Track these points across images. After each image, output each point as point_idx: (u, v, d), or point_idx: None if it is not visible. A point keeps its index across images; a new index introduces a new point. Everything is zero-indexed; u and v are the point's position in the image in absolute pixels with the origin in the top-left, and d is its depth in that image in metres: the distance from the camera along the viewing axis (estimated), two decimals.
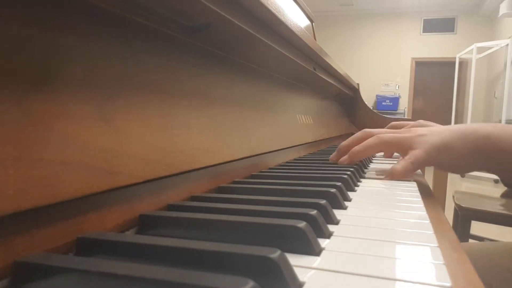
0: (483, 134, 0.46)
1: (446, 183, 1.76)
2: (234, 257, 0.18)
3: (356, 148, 0.55)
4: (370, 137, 0.55)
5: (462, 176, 4.83)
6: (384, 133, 0.54)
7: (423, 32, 6.99)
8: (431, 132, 0.50)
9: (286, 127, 0.73)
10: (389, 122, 0.76)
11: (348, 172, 0.47)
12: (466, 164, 0.48)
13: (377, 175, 0.55)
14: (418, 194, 0.41)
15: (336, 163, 0.60)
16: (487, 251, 0.62)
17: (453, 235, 0.27)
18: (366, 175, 0.55)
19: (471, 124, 0.49)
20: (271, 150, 0.60)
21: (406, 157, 0.49)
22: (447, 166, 0.49)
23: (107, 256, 0.22)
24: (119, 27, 0.31)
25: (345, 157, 0.57)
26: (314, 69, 0.82)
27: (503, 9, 4.93)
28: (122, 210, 0.27)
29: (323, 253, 0.22)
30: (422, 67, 7.10)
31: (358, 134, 0.58)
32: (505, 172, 0.48)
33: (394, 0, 6.65)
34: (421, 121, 0.64)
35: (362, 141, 0.55)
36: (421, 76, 7.12)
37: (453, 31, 6.84)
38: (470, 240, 1.65)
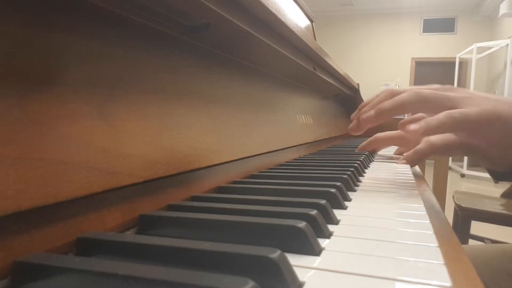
0: None
1: (446, 183, 1.76)
2: (234, 257, 0.18)
3: (386, 103, 0.42)
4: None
5: (462, 176, 4.81)
6: (415, 90, 0.43)
7: (423, 32, 7.00)
8: (481, 97, 0.40)
9: (286, 127, 0.73)
10: (389, 122, 0.68)
11: (348, 172, 0.47)
12: None
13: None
14: (418, 194, 0.41)
15: (335, 164, 0.60)
16: (487, 254, 0.62)
17: (453, 235, 0.27)
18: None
19: None
20: (271, 150, 0.60)
21: (449, 111, 0.38)
22: (495, 143, 0.39)
23: (107, 256, 0.22)
24: (119, 27, 0.31)
25: (371, 112, 0.43)
26: (314, 69, 0.82)
27: (503, 9, 4.93)
28: (122, 210, 0.27)
29: (323, 253, 0.22)
30: (422, 67, 7.10)
31: (383, 93, 0.46)
32: None
33: (394, 0, 6.64)
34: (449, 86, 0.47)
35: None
36: (421, 76, 7.12)
37: (453, 31, 6.84)
38: (470, 240, 1.65)
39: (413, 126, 0.39)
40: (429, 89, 0.43)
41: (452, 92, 0.42)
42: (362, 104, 0.48)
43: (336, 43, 7.26)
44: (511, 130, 0.37)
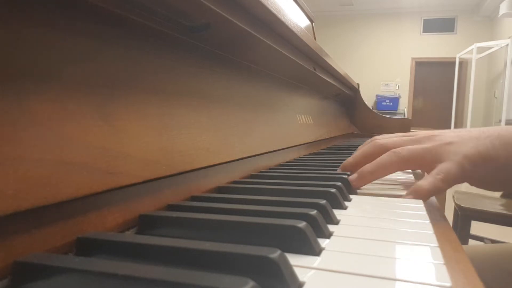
0: None
1: None
2: (234, 257, 0.18)
3: (367, 167, 0.43)
4: (383, 151, 0.43)
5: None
6: (398, 144, 0.43)
7: (423, 32, 7.00)
8: (462, 139, 0.39)
9: (286, 127, 0.73)
10: (389, 122, 0.66)
11: (348, 172, 0.47)
12: (508, 179, 0.38)
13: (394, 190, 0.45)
14: (419, 199, 0.40)
15: (335, 164, 0.59)
16: (487, 253, 0.62)
17: (453, 235, 0.27)
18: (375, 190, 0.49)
19: (510, 127, 0.38)
20: (271, 150, 0.60)
21: (434, 172, 0.39)
22: (486, 182, 0.39)
23: (107, 256, 0.22)
24: (119, 27, 0.31)
25: (354, 176, 0.44)
26: (314, 69, 0.82)
27: (503, 9, 4.94)
28: (122, 210, 0.27)
29: (323, 253, 0.22)
30: (422, 67, 7.10)
31: (367, 148, 0.46)
32: None
33: (394, 0, 6.65)
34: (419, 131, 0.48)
35: (372, 158, 0.44)
36: (421, 76, 7.12)
37: (453, 31, 6.84)
38: (470, 240, 1.65)
39: (406, 196, 0.39)
40: (409, 140, 0.44)
41: (429, 141, 0.42)
42: (345, 164, 0.49)
43: (336, 43, 7.26)
44: (496, 169, 0.37)
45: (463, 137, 0.40)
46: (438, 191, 0.38)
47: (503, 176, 0.37)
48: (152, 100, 0.33)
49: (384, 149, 0.44)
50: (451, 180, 0.38)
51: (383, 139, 0.47)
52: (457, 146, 0.39)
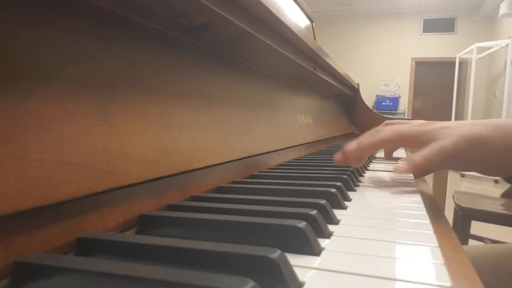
0: None
1: (446, 183, 1.76)
2: (234, 257, 0.18)
3: (367, 139, 0.46)
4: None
5: (462, 176, 4.81)
6: (400, 125, 0.45)
7: (423, 32, 7.00)
8: (458, 124, 0.41)
9: (286, 127, 0.73)
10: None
11: (348, 172, 0.47)
12: (503, 164, 0.39)
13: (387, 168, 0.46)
14: (418, 194, 0.41)
15: (334, 165, 0.59)
16: (487, 253, 0.62)
17: (453, 235, 0.27)
18: (370, 167, 0.49)
19: (506, 119, 0.40)
20: (271, 150, 0.60)
21: (429, 147, 0.40)
22: (479, 165, 0.40)
23: (107, 256, 0.22)
24: (119, 27, 0.31)
25: (353, 146, 0.46)
26: (314, 69, 0.82)
27: (503, 9, 4.93)
28: (122, 210, 0.27)
29: (323, 253, 0.22)
30: (422, 67, 7.10)
31: (377, 128, 0.48)
32: None
33: (394, 0, 6.65)
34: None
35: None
36: (421, 76, 7.12)
37: (453, 31, 6.84)
38: (470, 240, 1.65)
39: (401, 168, 0.42)
40: (410, 123, 0.46)
41: (428, 126, 0.44)
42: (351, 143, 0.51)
43: (336, 43, 7.26)
44: (491, 152, 0.38)
45: (460, 123, 0.41)
46: (430, 164, 0.39)
47: (498, 159, 0.38)
48: (152, 100, 0.33)
49: (386, 126, 0.46)
50: (445, 155, 0.39)
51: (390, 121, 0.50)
52: (453, 129, 0.40)
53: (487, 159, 0.38)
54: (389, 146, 0.46)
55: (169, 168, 0.32)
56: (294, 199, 0.32)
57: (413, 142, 0.43)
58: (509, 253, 0.61)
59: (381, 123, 0.51)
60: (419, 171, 0.40)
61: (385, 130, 0.45)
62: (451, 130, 0.40)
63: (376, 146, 0.45)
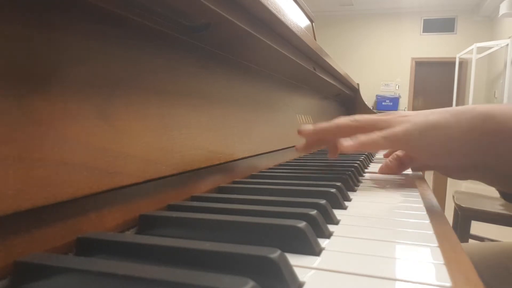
0: (483, 112, 0.35)
1: (446, 183, 1.76)
2: (234, 257, 0.18)
3: (323, 124, 0.47)
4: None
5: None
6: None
7: (423, 32, 7.00)
8: (417, 113, 0.42)
9: (286, 127, 0.73)
10: None
11: (348, 172, 0.47)
12: (459, 150, 0.37)
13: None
14: (418, 194, 0.41)
15: (335, 164, 0.60)
16: (487, 251, 0.62)
17: (453, 235, 0.27)
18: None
19: (466, 106, 0.39)
20: (271, 150, 0.60)
21: (378, 131, 0.41)
22: (433, 149, 0.39)
23: (107, 256, 0.22)
24: (119, 27, 0.31)
25: (309, 126, 0.48)
26: (314, 69, 0.82)
27: (503, 9, 4.93)
28: (122, 210, 0.27)
29: (323, 253, 0.22)
30: (422, 67, 7.10)
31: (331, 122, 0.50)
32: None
33: (394, 0, 6.64)
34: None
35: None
36: (421, 76, 7.12)
37: (453, 31, 6.84)
38: (470, 240, 1.65)
39: (346, 142, 0.42)
40: (369, 115, 0.47)
41: (389, 115, 0.44)
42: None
43: (336, 43, 7.26)
44: (445, 136, 0.37)
45: (419, 112, 0.42)
46: (377, 146, 0.41)
47: (453, 144, 0.37)
48: (152, 100, 0.33)
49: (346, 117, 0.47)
50: (393, 139, 0.40)
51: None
52: (410, 117, 0.41)
53: (441, 144, 0.38)
54: (344, 131, 0.45)
55: (169, 168, 0.32)
56: (294, 199, 0.32)
57: (368, 128, 0.43)
58: (508, 251, 0.61)
59: None
60: (366, 149, 0.41)
61: (343, 117, 0.46)
62: (407, 118, 0.41)
63: (331, 131, 0.46)
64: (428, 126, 0.38)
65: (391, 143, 0.41)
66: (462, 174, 0.43)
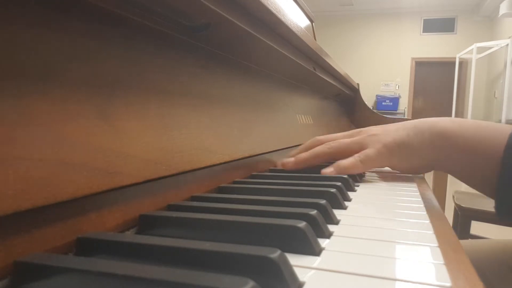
0: (439, 129, 0.44)
1: (446, 183, 1.76)
2: (234, 257, 0.18)
3: (303, 154, 0.51)
4: (319, 144, 0.51)
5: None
6: (333, 139, 0.52)
7: (423, 32, 7.00)
8: (385, 131, 0.48)
9: (286, 127, 0.73)
10: (389, 122, 0.68)
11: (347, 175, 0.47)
12: (423, 164, 0.46)
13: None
14: (419, 194, 0.41)
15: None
16: (488, 248, 0.62)
17: (453, 235, 0.27)
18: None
19: (429, 119, 0.46)
20: (271, 150, 0.60)
21: (356, 155, 0.47)
22: (402, 165, 0.47)
23: (107, 256, 0.22)
24: (119, 27, 0.31)
25: (291, 159, 0.52)
26: (314, 69, 0.82)
27: (503, 9, 4.94)
28: (122, 210, 0.27)
29: (323, 253, 0.22)
30: (422, 67, 7.10)
31: (307, 143, 0.55)
32: (462, 173, 0.45)
33: (394, 0, 6.65)
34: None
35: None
36: (421, 76, 7.12)
37: (453, 31, 6.84)
38: (470, 240, 1.65)
39: (328, 170, 0.47)
40: (343, 135, 0.53)
41: (359, 134, 0.51)
42: (290, 154, 0.56)
43: (336, 43, 7.26)
44: (409, 149, 0.46)
45: (387, 130, 0.48)
46: (356, 169, 0.47)
47: (417, 160, 0.46)
48: (152, 100, 0.33)
49: (320, 142, 0.52)
50: (368, 161, 0.46)
51: (322, 136, 0.56)
52: (380, 137, 0.48)
53: (406, 160, 0.46)
54: (323, 159, 0.51)
55: (169, 168, 0.32)
56: (294, 199, 0.32)
57: (346, 153, 0.49)
58: (507, 247, 0.61)
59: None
60: (347, 173, 0.46)
61: (319, 146, 0.51)
62: (378, 138, 0.47)
63: (311, 161, 0.51)
64: (395, 146, 0.46)
65: (367, 164, 0.46)
66: (419, 172, 0.52)
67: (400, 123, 0.50)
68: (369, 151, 0.47)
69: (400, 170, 0.51)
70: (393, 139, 0.46)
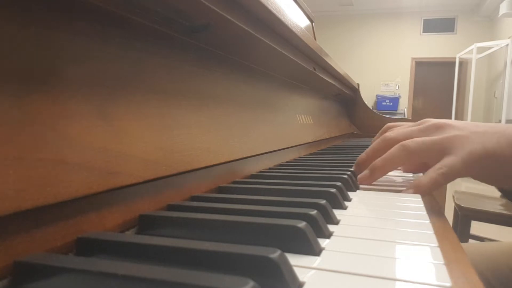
0: None
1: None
2: (234, 257, 0.18)
3: (378, 163, 0.44)
4: (392, 144, 0.44)
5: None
6: (407, 136, 0.44)
7: (423, 32, 6.99)
8: (469, 132, 0.39)
9: (286, 127, 0.73)
10: (389, 122, 0.66)
11: (348, 172, 0.47)
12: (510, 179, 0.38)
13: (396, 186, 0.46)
14: (418, 194, 0.41)
15: (335, 164, 0.59)
16: (488, 250, 0.62)
17: (453, 235, 0.27)
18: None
19: None
20: (271, 150, 0.60)
21: (437, 166, 0.39)
22: (489, 177, 0.39)
23: (107, 256, 0.22)
24: (119, 27, 0.31)
25: (366, 172, 0.45)
26: (314, 69, 0.82)
27: (503, 9, 4.94)
28: (122, 210, 0.27)
29: (323, 253, 0.22)
30: (422, 67, 7.10)
31: (377, 143, 0.47)
32: None
33: (394, 0, 6.64)
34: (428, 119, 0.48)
35: (383, 152, 0.44)
36: (421, 76, 7.11)
37: (453, 31, 6.84)
38: (470, 240, 1.65)
39: (408, 191, 0.41)
40: (418, 130, 0.45)
41: (438, 131, 0.43)
42: (358, 160, 0.50)
43: (336, 43, 7.25)
44: (502, 164, 0.37)
45: (470, 130, 0.40)
46: (439, 186, 0.38)
47: (509, 171, 0.38)
48: (152, 100, 0.33)
49: (393, 142, 0.44)
50: (453, 175, 0.38)
51: (393, 130, 0.48)
52: (464, 141, 0.39)
53: (495, 171, 0.38)
54: (400, 164, 0.44)
55: (169, 168, 0.32)
56: (294, 199, 0.32)
57: (424, 156, 0.42)
58: (508, 249, 0.61)
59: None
60: (428, 193, 0.39)
61: (393, 148, 0.43)
62: (462, 143, 0.39)
63: (388, 168, 0.44)
64: (484, 157, 0.37)
65: (450, 178, 0.38)
66: (503, 186, 0.43)
67: (483, 123, 0.41)
68: (452, 162, 0.38)
69: (486, 182, 0.42)
70: (483, 146, 0.38)
